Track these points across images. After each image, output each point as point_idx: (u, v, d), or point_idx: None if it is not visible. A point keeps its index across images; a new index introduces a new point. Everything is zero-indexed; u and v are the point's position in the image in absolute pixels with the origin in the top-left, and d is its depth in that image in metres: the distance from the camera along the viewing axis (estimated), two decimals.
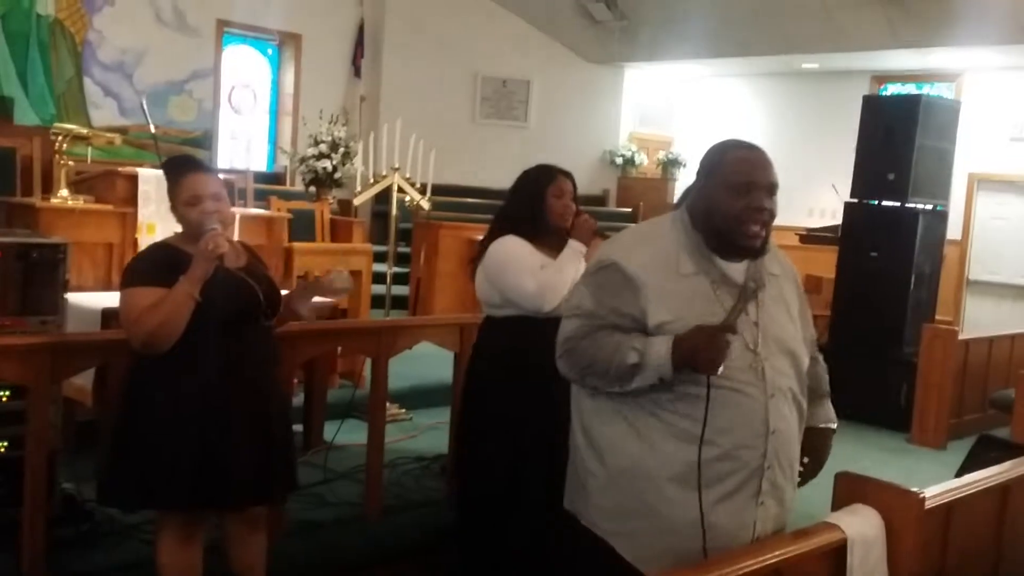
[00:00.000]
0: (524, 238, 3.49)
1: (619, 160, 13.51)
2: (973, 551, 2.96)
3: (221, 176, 3.13)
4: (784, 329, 2.32)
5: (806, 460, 2.51)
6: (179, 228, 2.94)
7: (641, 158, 13.58)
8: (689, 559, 2.19)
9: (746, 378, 2.19)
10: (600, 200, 13.19)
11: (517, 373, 3.41)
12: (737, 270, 2.25)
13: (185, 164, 3.01)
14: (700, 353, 2.08)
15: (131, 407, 2.86)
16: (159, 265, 2.82)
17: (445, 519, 4.00)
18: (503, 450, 3.44)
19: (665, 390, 2.17)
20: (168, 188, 2.93)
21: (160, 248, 2.96)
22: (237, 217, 5.03)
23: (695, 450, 2.17)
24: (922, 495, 2.47)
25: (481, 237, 3.66)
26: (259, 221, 5.79)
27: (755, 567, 2.13)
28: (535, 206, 3.51)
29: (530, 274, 3.40)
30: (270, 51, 12.20)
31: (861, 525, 2.39)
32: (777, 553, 2.20)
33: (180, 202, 2.88)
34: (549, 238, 3.49)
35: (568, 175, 3.61)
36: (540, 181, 3.55)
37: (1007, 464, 3.18)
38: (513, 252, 3.46)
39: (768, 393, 2.22)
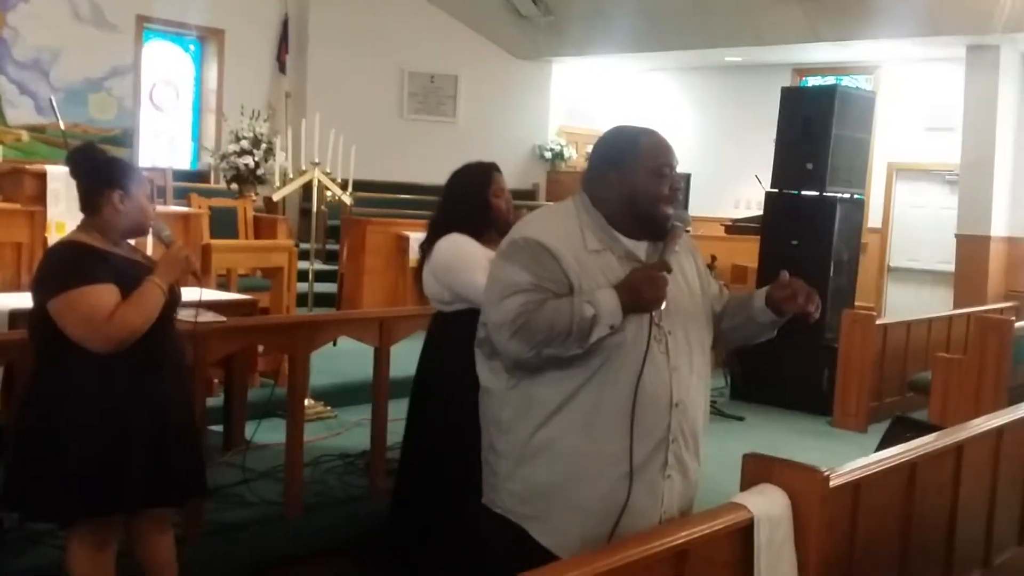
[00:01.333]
0: (471, 236, 3.52)
1: (548, 154, 13.55)
2: (883, 528, 3.03)
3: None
4: (686, 304, 2.36)
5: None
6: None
7: (570, 152, 13.64)
8: (602, 536, 2.22)
9: (643, 351, 2.23)
10: (530, 194, 13.21)
11: (469, 365, 3.39)
12: (639, 247, 2.32)
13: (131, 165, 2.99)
14: (643, 291, 2.14)
15: (42, 414, 2.78)
16: (94, 263, 2.77)
17: (368, 515, 3.98)
18: (455, 443, 3.42)
19: (581, 366, 2.19)
20: (115, 184, 2.85)
21: (79, 247, 2.85)
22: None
23: (614, 424, 2.20)
24: (827, 474, 2.51)
25: (410, 233, 3.65)
26: (176, 218, 5.69)
27: (661, 548, 2.15)
28: (479, 207, 3.55)
29: (481, 271, 3.39)
30: (192, 47, 12.00)
31: (767, 504, 2.42)
32: (684, 534, 2.21)
33: (140, 191, 2.86)
34: (492, 235, 3.49)
35: (499, 170, 3.66)
36: (479, 182, 3.59)
37: (913, 442, 3.26)
38: (462, 249, 3.49)
39: (672, 366, 2.27)
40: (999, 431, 3.68)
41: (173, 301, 2.92)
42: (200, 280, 2.97)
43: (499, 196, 3.57)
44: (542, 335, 2.15)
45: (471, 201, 3.57)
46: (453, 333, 3.50)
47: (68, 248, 2.89)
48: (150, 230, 3.00)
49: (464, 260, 3.45)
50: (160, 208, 5.47)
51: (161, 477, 2.86)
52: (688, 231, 2.42)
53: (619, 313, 2.15)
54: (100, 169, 2.91)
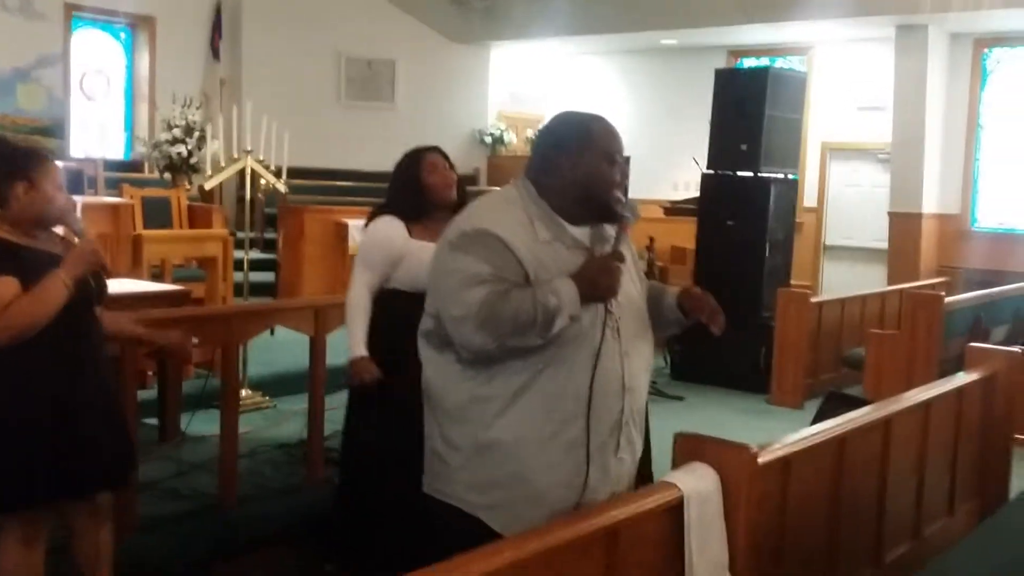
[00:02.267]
0: (407, 219, 3.53)
1: (488, 139, 13.53)
2: (813, 502, 3.08)
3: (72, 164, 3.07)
4: (632, 291, 2.39)
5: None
6: None
7: (510, 136, 13.63)
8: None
9: (599, 337, 2.25)
10: (471, 179, 13.16)
11: (404, 350, 3.38)
12: (584, 234, 2.32)
13: (43, 152, 2.92)
14: (601, 282, 2.18)
15: None
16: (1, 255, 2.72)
17: (306, 505, 3.96)
18: (395, 431, 3.40)
19: (537, 355, 2.19)
20: (19, 175, 2.78)
21: None
22: (79, 206, 4.83)
23: (571, 411, 2.22)
24: (755, 451, 2.55)
25: (349, 220, 3.66)
26: (104, 209, 5.58)
27: (593, 529, 2.17)
28: (413, 191, 3.56)
29: (367, 269, 3.51)
30: (123, 35, 11.73)
31: (697, 482, 2.45)
32: (615, 514, 2.24)
33: (48, 182, 2.79)
34: (434, 217, 3.50)
35: (435, 149, 3.66)
36: (409, 164, 3.60)
37: (842, 417, 3.32)
38: (371, 239, 3.54)
39: (623, 352, 2.29)
40: (927, 404, 3.77)
41: (90, 294, 2.86)
42: (108, 274, 2.89)
43: (432, 173, 3.57)
44: (507, 326, 2.14)
45: (402, 184, 3.61)
46: (385, 319, 3.50)
47: None
48: (63, 220, 2.92)
49: (362, 253, 3.56)
50: (89, 199, 5.37)
51: (79, 469, 2.81)
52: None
53: (578, 303, 2.17)
54: (3, 160, 2.85)
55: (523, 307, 2.13)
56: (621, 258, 2.24)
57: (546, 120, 2.51)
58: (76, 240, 2.92)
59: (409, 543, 3.22)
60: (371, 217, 3.65)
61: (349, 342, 3.49)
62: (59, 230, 2.97)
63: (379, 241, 3.52)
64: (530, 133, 13.76)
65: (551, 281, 2.18)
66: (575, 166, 2.28)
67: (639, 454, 2.43)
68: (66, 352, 2.78)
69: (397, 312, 3.33)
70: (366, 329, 3.49)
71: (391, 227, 3.53)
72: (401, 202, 3.59)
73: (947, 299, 6.34)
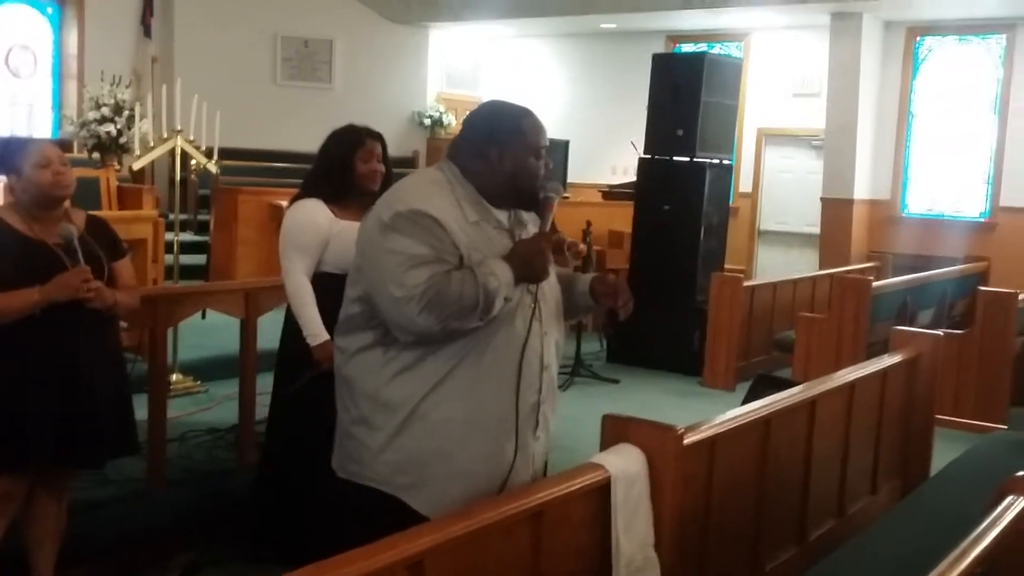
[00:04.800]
0: (328, 201, 3.46)
1: (427, 121, 13.44)
2: (739, 482, 3.13)
3: None
4: (551, 270, 2.40)
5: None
6: None
7: (449, 119, 13.55)
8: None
9: (527, 318, 2.30)
10: (410, 162, 13.09)
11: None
12: (504, 216, 2.36)
13: (23, 139, 3.05)
14: (535, 262, 2.24)
15: None
16: None
17: (236, 490, 3.91)
18: (316, 415, 3.37)
19: (465, 335, 2.21)
20: (10, 167, 2.93)
21: None
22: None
23: (498, 389, 2.25)
24: (681, 432, 2.58)
25: (284, 202, 3.61)
26: None
27: (518, 510, 2.18)
28: (342, 170, 3.48)
29: (296, 251, 3.44)
30: (50, 10, 11.41)
31: (623, 463, 2.48)
32: (540, 495, 2.25)
33: (28, 164, 2.88)
34: (355, 200, 3.45)
35: (377, 136, 3.59)
36: (348, 145, 3.52)
37: (768, 399, 3.38)
38: (295, 222, 3.47)
39: (543, 331, 2.34)
40: (851, 385, 3.85)
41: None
42: (92, 301, 2.91)
43: (367, 161, 3.50)
44: (452, 308, 2.14)
45: (333, 163, 3.52)
46: (319, 302, 3.46)
47: None
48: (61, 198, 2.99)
49: (290, 237, 3.47)
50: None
51: (73, 440, 2.91)
52: (566, 196, 2.47)
53: (513, 284, 2.22)
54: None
55: (466, 289, 2.14)
56: (550, 239, 2.29)
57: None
58: (73, 217, 3.01)
59: (331, 528, 3.22)
60: (295, 195, 3.57)
61: (308, 330, 3.41)
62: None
63: (305, 224, 3.45)
64: None
65: (487, 263, 2.20)
66: (503, 157, 2.31)
67: (552, 433, 2.47)
68: (34, 334, 2.85)
69: (331, 295, 3.30)
70: (317, 311, 3.43)
71: (315, 209, 3.47)
72: (325, 181, 3.51)
73: (875, 283, 6.48)
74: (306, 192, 3.54)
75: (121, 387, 3.14)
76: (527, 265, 2.23)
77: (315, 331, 3.40)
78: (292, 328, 3.54)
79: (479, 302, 2.15)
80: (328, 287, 3.38)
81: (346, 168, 3.49)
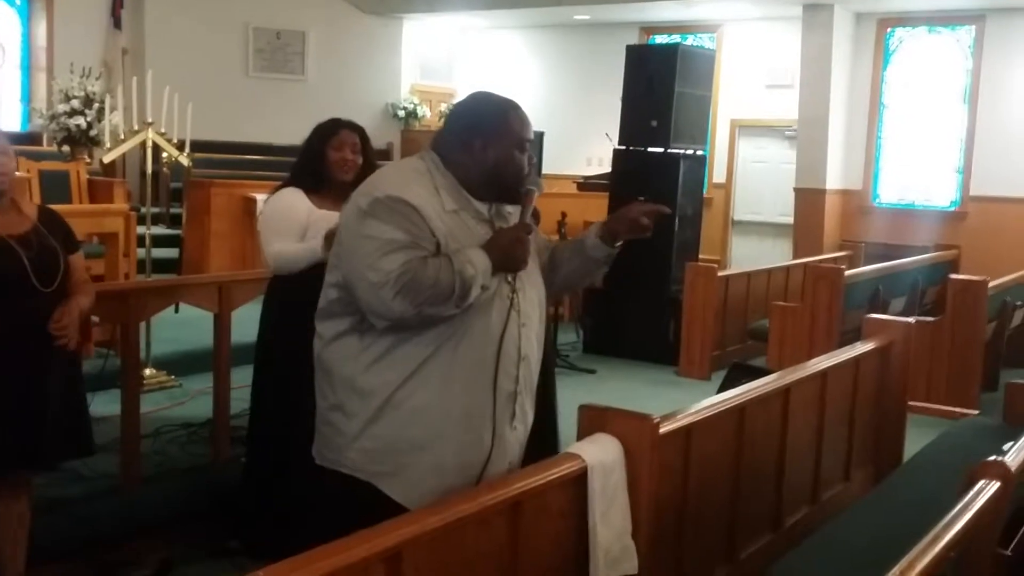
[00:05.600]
0: (307, 191, 3.52)
1: (401, 113, 13.38)
2: (715, 470, 3.15)
3: None
4: (530, 261, 2.40)
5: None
6: None
7: (424, 111, 13.50)
8: (462, 489, 2.24)
9: (505, 308, 2.30)
10: (384, 154, 13.02)
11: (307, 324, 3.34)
12: (484, 207, 2.36)
13: None
14: (513, 252, 2.25)
15: None
16: None
17: (211, 485, 3.89)
18: (297, 407, 3.36)
19: (442, 323, 2.21)
20: None
21: None
22: None
23: (475, 379, 2.24)
24: (657, 421, 2.59)
25: (257, 194, 3.62)
26: None
27: (495, 501, 2.18)
28: (315, 160, 3.54)
29: (280, 236, 3.46)
30: (19, 1, 11.26)
31: (600, 452, 2.48)
32: (518, 486, 2.25)
33: None
34: (331, 190, 3.49)
35: (355, 128, 3.63)
36: (323, 134, 3.58)
37: (743, 387, 3.39)
38: (276, 211, 3.51)
39: (522, 322, 2.34)
40: (824, 373, 3.88)
41: (27, 268, 2.89)
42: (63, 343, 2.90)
43: (338, 150, 3.55)
44: (427, 294, 2.14)
45: (308, 153, 3.60)
46: (289, 294, 3.46)
47: None
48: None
49: (269, 223, 3.50)
50: None
51: (21, 442, 2.86)
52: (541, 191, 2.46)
53: (490, 273, 2.22)
54: None
55: (442, 275, 2.15)
56: (529, 229, 2.30)
57: (461, 96, 2.52)
58: (25, 208, 3.00)
59: (310, 515, 3.22)
60: (277, 187, 3.65)
61: (310, 252, 3.38)
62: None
63: (281, 210, 3.50)
64: (444, 107, 13.65)
65: (464, 251, 2.21)
66: (487, 149, 2.31)
67: (531, 425, 2.47)
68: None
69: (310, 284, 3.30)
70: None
71: (293, 197, 3.52)
72: (302, 171, 3.59)
73: (848, 272, 6.54)
74: (287, 182, 3.60)
75: (73, 386, 3.07)
76: (505, 254, 2.24)
77: (312, 246, 3.40)
78: (270, 319, 3.54)
79: (455, 289, 2.15)
80: (305, 274, 3.39)
81: (319, 156, 3.55)
